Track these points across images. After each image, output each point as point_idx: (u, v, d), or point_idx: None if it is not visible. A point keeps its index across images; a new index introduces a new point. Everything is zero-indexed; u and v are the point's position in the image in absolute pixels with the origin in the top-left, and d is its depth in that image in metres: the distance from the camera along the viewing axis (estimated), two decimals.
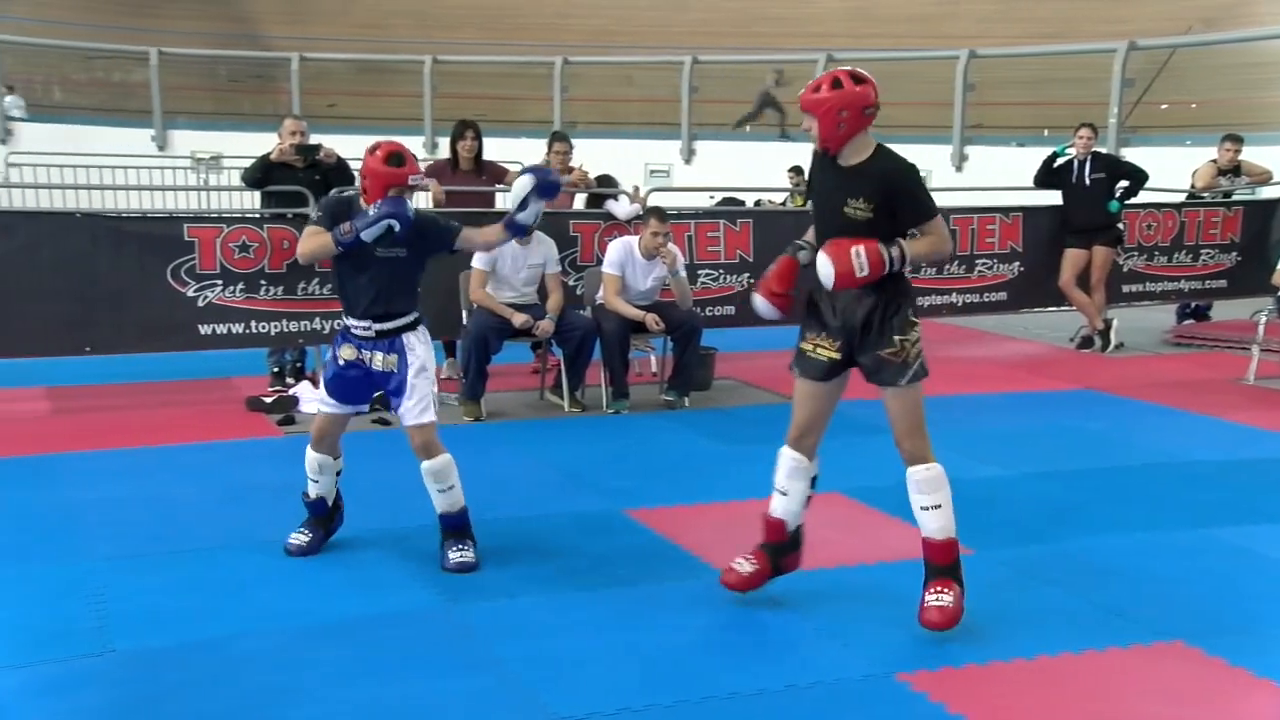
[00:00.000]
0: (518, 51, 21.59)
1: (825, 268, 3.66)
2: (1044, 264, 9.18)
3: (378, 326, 4.31)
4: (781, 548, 4.07)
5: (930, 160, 16.63)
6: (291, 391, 6.95)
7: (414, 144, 19.18)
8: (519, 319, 6.75)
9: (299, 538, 4.50)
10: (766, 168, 15.44)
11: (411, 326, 4.37)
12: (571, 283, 7.50)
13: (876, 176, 3.73)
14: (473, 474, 5.59)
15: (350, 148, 15.12)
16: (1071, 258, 9.07)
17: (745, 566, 4.04)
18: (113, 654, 3.57)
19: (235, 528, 4.73)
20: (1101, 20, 20.14)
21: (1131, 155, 12.13)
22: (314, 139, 7.67)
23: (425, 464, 4.35)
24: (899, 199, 3.73)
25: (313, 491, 4.52)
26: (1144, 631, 3.86)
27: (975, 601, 4.11)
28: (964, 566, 3.89)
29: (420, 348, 4.36)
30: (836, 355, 3.86)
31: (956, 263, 8.91)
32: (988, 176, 14.24)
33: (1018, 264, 9.16)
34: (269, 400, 6.82)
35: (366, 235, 4.18)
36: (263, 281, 6.93)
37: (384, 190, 4.20)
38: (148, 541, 4.58)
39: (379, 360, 4.33)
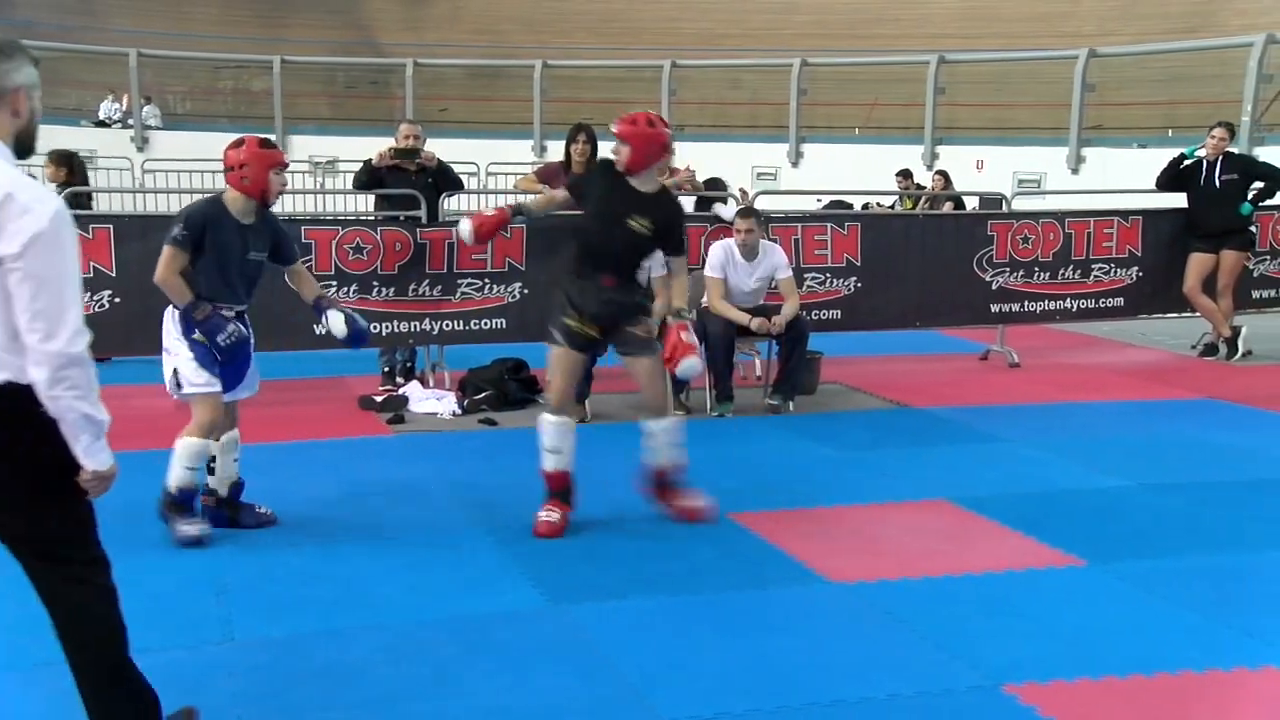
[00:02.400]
0: (628, 55, 21.73)
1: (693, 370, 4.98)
2: (1165, 269, 8.87)
3: (238, 308, 4.77)
4: (569, 492, 4.85)
5: (1045, 162, 16.24)
6: (402, 391, 7.11)
7: (523, 147, 19.49)
8: None
9: (194, 528, 4.62)
10: (875, 171, 15.25)
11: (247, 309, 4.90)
12: None
13: (665, 208, 4.81)
14: (579, 474, 5.64)
15: (462, 151, 15.41)
16: (1198, 262, 8.74)
17: (554, 515, 4.78)
18: (234, 643, 3.71)
19: (350, 523, 4.86)
20: (1235, 13, 19.38)
21: (1268, 154, 11.64)
22: (429, 143, 7.83)
23: (234, 431, 4.80)
24: (674, 232, 4.83)
25: (186, 481, 4.64)
26: (1277, 654, 3.69)
27: (1089, 615, 4.01)
28: (1075, 578, 3.82)
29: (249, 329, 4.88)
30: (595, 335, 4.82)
31: (1072, 267, 8.68)
32: (1107, 179, 13.84)
33: (1136, 269, 8.87)
34: (380, 399, 6.99)
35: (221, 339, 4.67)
36: (375, 283, 7.11)
37: (267, 171, 4.63)
38: (267, 534, 4.73)
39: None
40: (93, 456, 2.67)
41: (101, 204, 13.03)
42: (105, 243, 6.70)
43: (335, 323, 4.86)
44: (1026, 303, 8.64)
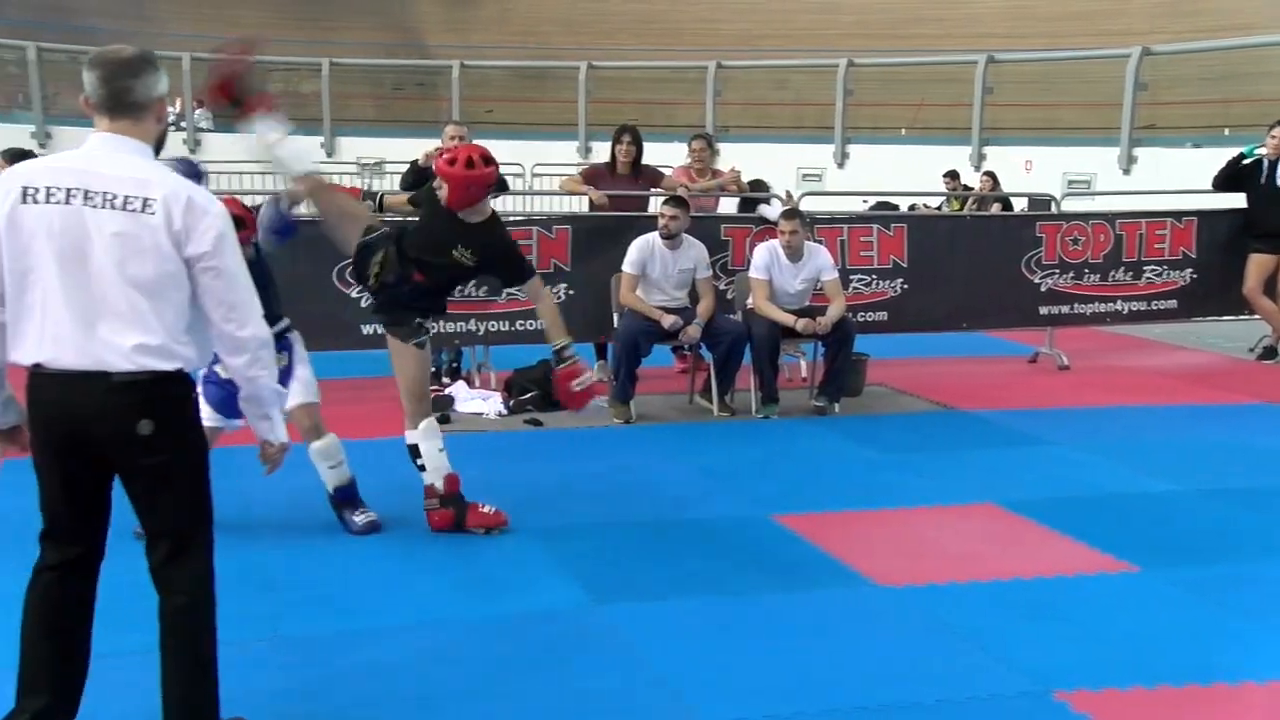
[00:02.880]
0: (672, 56, 21.70)
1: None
2: (1220, 270, 8.70)
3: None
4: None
5: (1095, 163, 16.00)
6: (447, 391, 7.13)
7: (568, 148, 19.53)
8: (668, 320, 6.78)
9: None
10: (921, 172, 15.11)
11: (290, 328, 4.85)
12: (723, 287, 7.49)
13: (485, 239, 4.58)
14: (622, 476, 5.65)
15: (507, 152, 15.31)
16: (1258, 263, 8.56)
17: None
18: (278, 639, 3.74)
19: (394, 522, 4.88)
20: None
21: None
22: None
23: (314, 445, 4.76)
24: (501, 263, 4.68)
25: None
26: None
27: (1143, 621, 3.94)
28: (1127, 584, 3.83)
29: (299, 344, 4.90)
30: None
31: (1123, 269, 8.54)
32: (1159, 179, 13.61)
33: (1190, 270, 8.71)
34: None
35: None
36: None
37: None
38: (315, 533, 4.76)
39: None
40: (278, 429, 3.05)
41: None
42: None
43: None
44: (1076, 305, 8.52)
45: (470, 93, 21.03)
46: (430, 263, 4.60)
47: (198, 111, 20.95)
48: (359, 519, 4.80)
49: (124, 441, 2.77)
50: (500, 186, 7.91)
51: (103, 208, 2.71)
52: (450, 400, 6.99)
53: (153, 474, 2.83)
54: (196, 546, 2.94)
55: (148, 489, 2.85)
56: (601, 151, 8.08)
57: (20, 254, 2.73)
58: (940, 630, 3.86)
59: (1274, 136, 8.55)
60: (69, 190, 2.72)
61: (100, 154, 2.79)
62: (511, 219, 8.73)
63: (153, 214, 2.72)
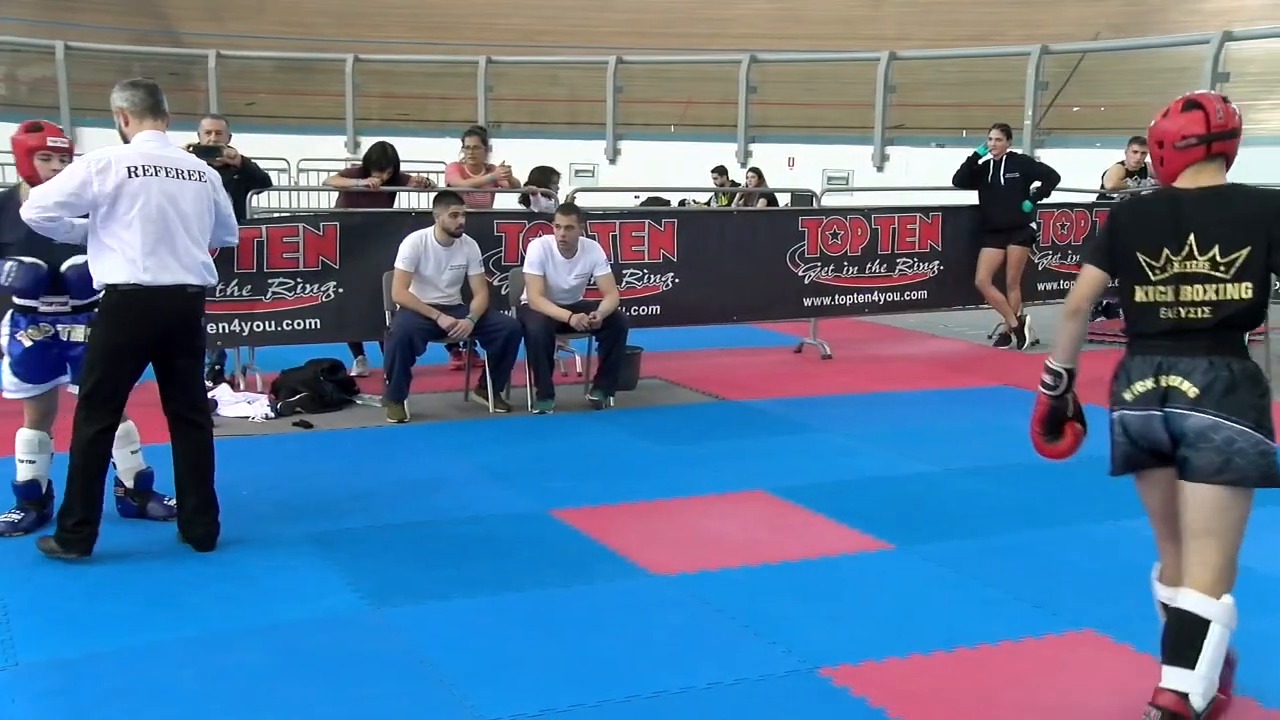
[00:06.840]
0: (444, 51, 21.42)
1: None
2: (964, 263, 9.32)
3: (75, 302, 4.57)
4: None
5: (852, 160, 16.87)
6: (210, 395, 6.79)
7: (336, 143, 18.97)
8: (445, 320, 6.70)
9: (10, 516, 4.62)
10: (691, 168, 15.52)
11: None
12: (496, 283, 7.46)
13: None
14: (399, 475, 5.56)
15: (272, 147, 14.77)
16: (987, 257, 9.24)
17: None
18: (19, 667, 3.47)
19: (152, 533, 4.63)
20: (1020, 24, 20.56)
21: (1045, 156, 12.41)
22: (235, 138, 7.55)
23: (129, 423, 4.71)
24: None
25: (24, 474, 4.65)
26: (1058, 622, 3.96)
27: (897, 596, 4.19)
28: (884, 562, 3.96)
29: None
30: None
31: (878, 262, 9.03)
32: (909, 176, 14.48)
33: (937, 263, 9.30)
34: None
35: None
36: None
37: (30, 157, 4.46)
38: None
39: (78, 334, 4.59)
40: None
41: None
42: None
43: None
44: (837, 296, 8.94)
45: (230, 84, 20.11)
46: None
47: None
48: (164, 507, 4.75)
49: (190, 331, 4.37)
50: (263, 182, 7.65)
51: (182, 179, 4.26)
52: (213, 404, 6.65)
53: (195, 353, 4.48)
54: (206, 414, 4.59)
55: (191, 363, 4.47)
56: (370, 146, 7.96)
57: (126, 210, 4.11)
58: (713, 616, 3.98)
59: (992, 138, 9.23)
60: (157, 168, 4.19)
61: (157, 144, 4.27)
62: (277, 216, 8.42)
63: (205, 182, 4.37)
